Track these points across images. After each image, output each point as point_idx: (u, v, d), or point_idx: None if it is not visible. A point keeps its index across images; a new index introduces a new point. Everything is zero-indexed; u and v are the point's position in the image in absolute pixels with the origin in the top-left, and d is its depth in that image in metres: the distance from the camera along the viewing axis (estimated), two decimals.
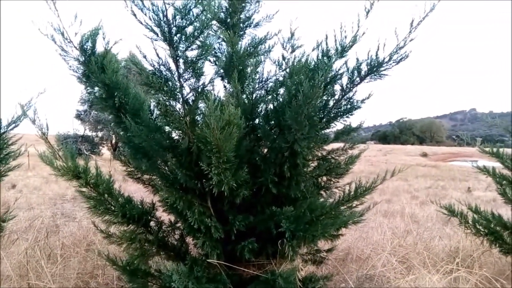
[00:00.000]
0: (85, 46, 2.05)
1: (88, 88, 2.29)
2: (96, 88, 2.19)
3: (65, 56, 2.05)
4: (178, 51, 1.90)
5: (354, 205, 2.41)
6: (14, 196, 7.12)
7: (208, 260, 2.15)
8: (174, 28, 1.84)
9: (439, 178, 18.65)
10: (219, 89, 2.64)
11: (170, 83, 2.01)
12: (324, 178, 2.67)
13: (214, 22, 2.62)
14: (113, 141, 23.79)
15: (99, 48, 2.14)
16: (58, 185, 10.28)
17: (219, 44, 2.69)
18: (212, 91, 2.26)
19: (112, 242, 2.40)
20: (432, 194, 12.07)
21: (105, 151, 24.81)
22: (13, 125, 3.19)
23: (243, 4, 2.65)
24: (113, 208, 2.18)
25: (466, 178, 18.60)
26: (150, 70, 1.98)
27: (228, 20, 2.64)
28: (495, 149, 3.06)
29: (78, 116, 23.74)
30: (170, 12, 1.80)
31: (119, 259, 2.38)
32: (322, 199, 2.52)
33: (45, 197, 8.15)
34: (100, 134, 24.38)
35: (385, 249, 3.15)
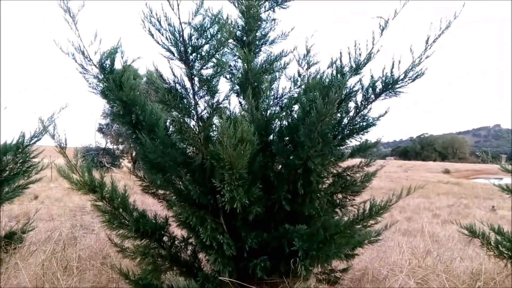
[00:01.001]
0: (104, 64, 2.13)
1: (111, 102, 2.36)
2: (114, 105, 2.25)
3: (84, 73, 2.13)
4: (194, 70, 1.94)
5: (369, 224, 2.36)
6: (35, 207, 7.31)
7: (220, 278, 2.13)
8: (190, 47, 1.89)
9: (462, 196, 18.09)
10: (235, 105, 2.67)
11: (185, 100, 2.05)
12: (340, 196, 2.63)
13: (230, 40, 2.67)
14: (133, 154, 24.20)
15: (118, 66, 2.21)
16: (79, 197, 10.48)
17: (235, 61, 2.72)
18: (226, 108, 2.29)
19: (126, 256, 2.42)
20: (455, 213, 11.70)
21: (126, 164, 25.22)
22: (35, 139, 3.31)
23: (259, 23, 2.68)
24: (127, 223, 2.20)
25: (490, 196, 17.95)
26: (166, 88, 2.03)
27: (244, 38, 2.68)
28: None
29: (100, 130, 24.32)
30: (186, 32, 1.85)
31: (133, 273, 2.40)
32: (337, 217, 2.48)
33: (65, 209, 8.32)
34: (121, 147, 24.85)
35: (403, 269, 3.05)
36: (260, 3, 2.62)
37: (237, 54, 2.62)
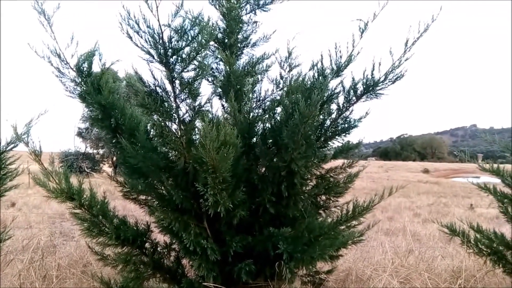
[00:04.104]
0: (82, 67, 2.07)
1: (90, 106, 2.29)
2: (93, 109, 2.19)
3: (61, 77, 2.06)
4: (174, 73, 1.91)
5: (352, 225, 2.37)
6: (12, 215, 7.07)
7: (204, 284, 2.10)
8: (170, 50, 1.85)
9: (441, 195, 18.50)
10: (218, 108, 2.64)
11: (166, 104, 2.01)
12: (323, 197, 2.64)
13: (211, 42, 2.65)
14: (114, 159, 23.76)
15: (96, 69, 2.15)
16: (58, 203, 10.17)
17: (217, 64, 2.70)
18: (208, 111, 2.27)
19: (107, 264, 2.36)
20: (435, 211, 11.95)
21: (106, 169, 24.74)
22: (12, 145, 3.19)
23: (241, 25, 2.67)
24: (107, 230, 2.14)
25: (468, 194, 18.43)
26: (145, 91, 1.99)
27: (226, 40, 2.66)
28: (495, 166, 3.02)
29: (79, 134, 23.81)
30: (166, 34, 1.82)
31: (114, 282, 2.33)
32: (321, 219, 2.48)
33: (44, 216, 8.08)
34: (101, 151, 24.39)
35: (386, 269, 3.08)
36: (241, 6, 2.61)
37: (219, 56, 2.60)
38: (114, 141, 2.25)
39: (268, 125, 2.46)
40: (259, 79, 2.72)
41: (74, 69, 2.06)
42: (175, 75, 1.92)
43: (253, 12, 2.73)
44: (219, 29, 2.63)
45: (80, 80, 2.09)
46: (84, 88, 2.10)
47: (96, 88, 2.09)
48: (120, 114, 2.18)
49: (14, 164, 3.38)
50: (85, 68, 2.09)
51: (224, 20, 2.61)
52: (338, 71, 2.26)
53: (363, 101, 2.28)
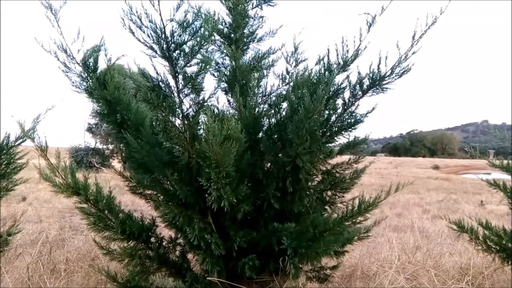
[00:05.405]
0: (88, 63, 2.08)
1: (96, 101, 2.30)
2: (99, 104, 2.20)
3: (67, 72, 2.07)
4: (177, 67, 1.91)
5: (358, 221, 2.36)
6: (23, 209, 7.17)
7: (208, 278, 2.11)
8: (173, 44, 1.85)
9: (451, 191, 18.28)
10: (224, 103, 2.64)
11: (169, 99, 2.01)
12: (329, 193, 2.62)
13: (217, 37, 2.65)
14: (123, 154, 23.92)
15: (102, 64, 2.16)
16: (67, 198, 10.27)
17: (223, 59, 2.70)
18: (214, 106, 2.26)
19: (113, 258, 2.38)
20: (444, 208, 11.82)
21: (116, 164, 24.91)
22: (21, 140, 3.22)
23: (247, 20, 2.66)
24: (113, 225, 2.16)
25: (479, 191, 18.18)
26: (148, 86, 1.99)
27: (232, 35, 2.66)
28: (505, 162, 2.96)
29: (89, 129, 23.98)
30: (169, 29, 1.82)
31: (120, 276, 2.36)
32: (326, 214, 2.47)
33: (54, 210, 8.18)
34: (110, 147, 24.54)
35: (392, 265, 3.06)
36: (247, 0, 2.60)
37: (225, 51, 2.59)
38: (120, 136, 2.26)
39: (273, 120, 2.45)
40: (265, 74, 2.71)
41: (80, 64, 2.07)
42: (178, 70, 1.92)
43: (259, 6, 2.72)
44: (225, 23, 2.62)
45: (86, 75, 2.11)
46: (90, 83, 2.11)
47: (101, 83, 2.10)
48: (125, 109, 2.18)
49: (23, 158, 3.42)
50: (91, 63, 2.10)
51: (230, 14, 2.60)
52: (344, 66, 2.23)
53: (369, 96, 2.25)
